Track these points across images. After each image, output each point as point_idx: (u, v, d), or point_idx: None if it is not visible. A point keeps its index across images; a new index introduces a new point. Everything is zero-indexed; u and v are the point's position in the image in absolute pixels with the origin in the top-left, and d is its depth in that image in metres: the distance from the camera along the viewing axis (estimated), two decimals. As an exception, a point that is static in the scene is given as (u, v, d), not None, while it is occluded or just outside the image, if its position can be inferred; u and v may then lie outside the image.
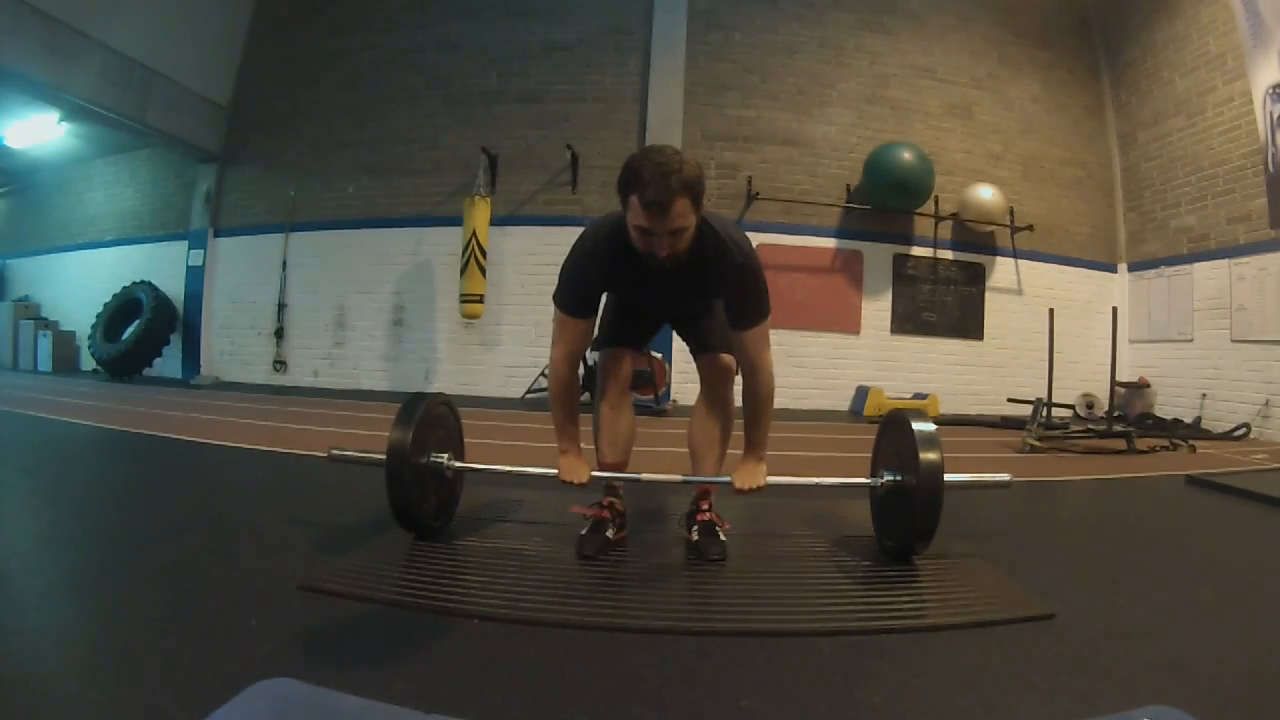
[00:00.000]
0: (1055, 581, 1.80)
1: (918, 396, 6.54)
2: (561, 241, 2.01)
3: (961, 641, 1.41)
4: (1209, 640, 1.44)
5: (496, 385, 6.86)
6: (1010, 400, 5.95)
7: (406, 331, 7.18)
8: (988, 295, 7.26)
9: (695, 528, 1.94)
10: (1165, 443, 4.83)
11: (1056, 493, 3.35)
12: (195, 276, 7.92)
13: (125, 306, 7.94)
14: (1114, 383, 5.34)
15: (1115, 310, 5.28)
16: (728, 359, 1.99)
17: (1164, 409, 6.70)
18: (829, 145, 7.11)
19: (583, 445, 1.97)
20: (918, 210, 6.98)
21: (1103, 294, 7.32)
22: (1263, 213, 5.87)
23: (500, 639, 1.35)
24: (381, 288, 7.26)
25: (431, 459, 1.94)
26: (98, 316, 8.00)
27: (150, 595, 1.52)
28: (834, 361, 6.92)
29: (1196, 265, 6.54)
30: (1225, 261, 6.22)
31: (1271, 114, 5.69)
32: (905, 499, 1.85)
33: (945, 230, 7.12)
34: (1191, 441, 4.87)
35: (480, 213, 6.54)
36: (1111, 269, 7.56)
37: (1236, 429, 5.74)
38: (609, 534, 1.91)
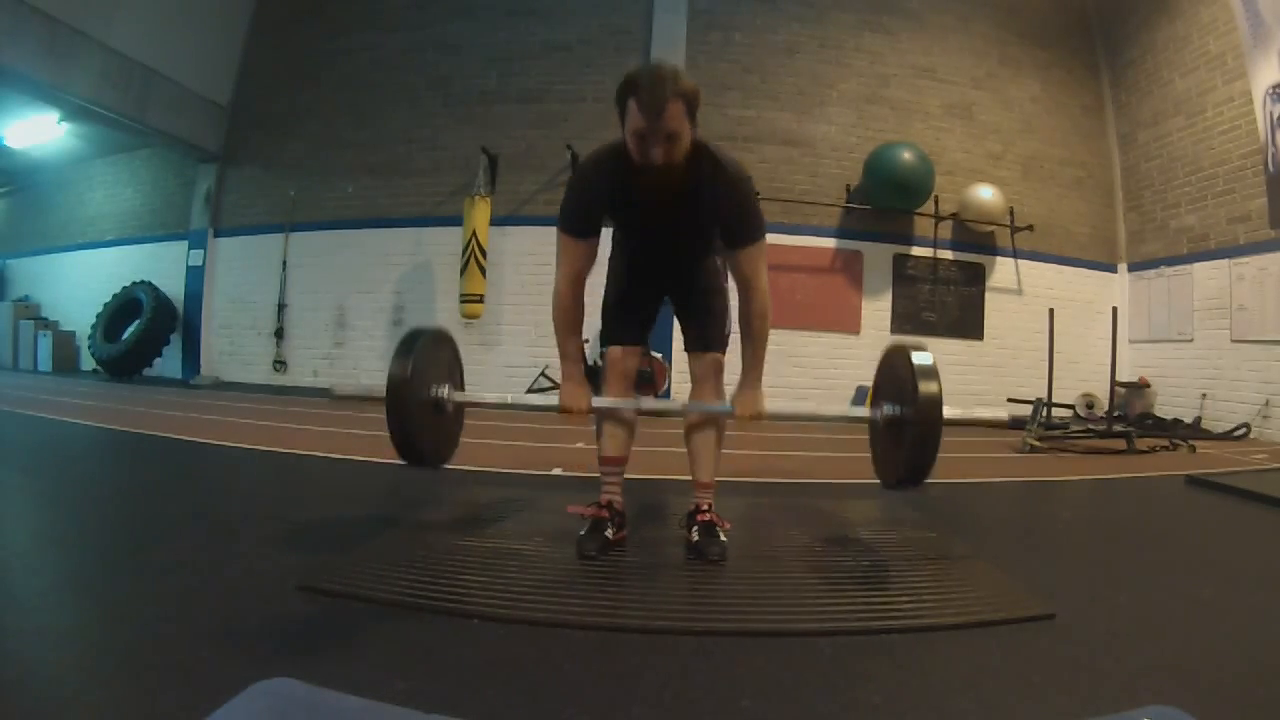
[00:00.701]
0: (1055, 581, 1.79)
1: (918, 396, 6.54)
2: (562, 242, 2.01)
3: (961, 641, 1.41)
4: (1209, 640, 1.44)
5: (496, 385, 6.86)
6: (1010, 400, 5.95)
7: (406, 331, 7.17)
8: (988, 295, 7.25)
9: (695, 528, 1.94)
10: (1165, 443, 4.83)
11: (1056, 493, 3.35)
12: (195, 276, 7.92)
13: (125, 306, 7.94)
14: (1114, 383, 5.34)
15: (1115, 310, 5.28)
16: (718, 356, 2.01)
17: (1164, 409, 6.70)
18: (829, 145, 7.11)
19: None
20: (918, 210, 6.97)
21: (1103, 294, 7.32)
22: (1263, 213, 5.87)
23: (500, 639, 1.35)
24: (381, 288, 7.26)
25: (431, 392, 1.96)
26: (98, 316, 8.00)
27: (150, 595, 1.52)
28: (834, 361, 6.92)
29: (1196, 265, 6.54)
30: (1225, 261, 6.22)
31: (1271, 114, 5.69)
32: (905, 431, 1.84)
33: (945, 230, 7.12)
34: (1191, 441, 4.87)
35: (480, 213, 6.55)
36: (1111, 269, 7.56)
37: (1236, 429, 5.74)
38: (608, 534, 1.91)
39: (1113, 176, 7.66)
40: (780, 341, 6.76)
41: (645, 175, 1.70)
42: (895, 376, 1.93)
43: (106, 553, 1.82)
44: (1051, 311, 5.17)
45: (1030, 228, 7.12)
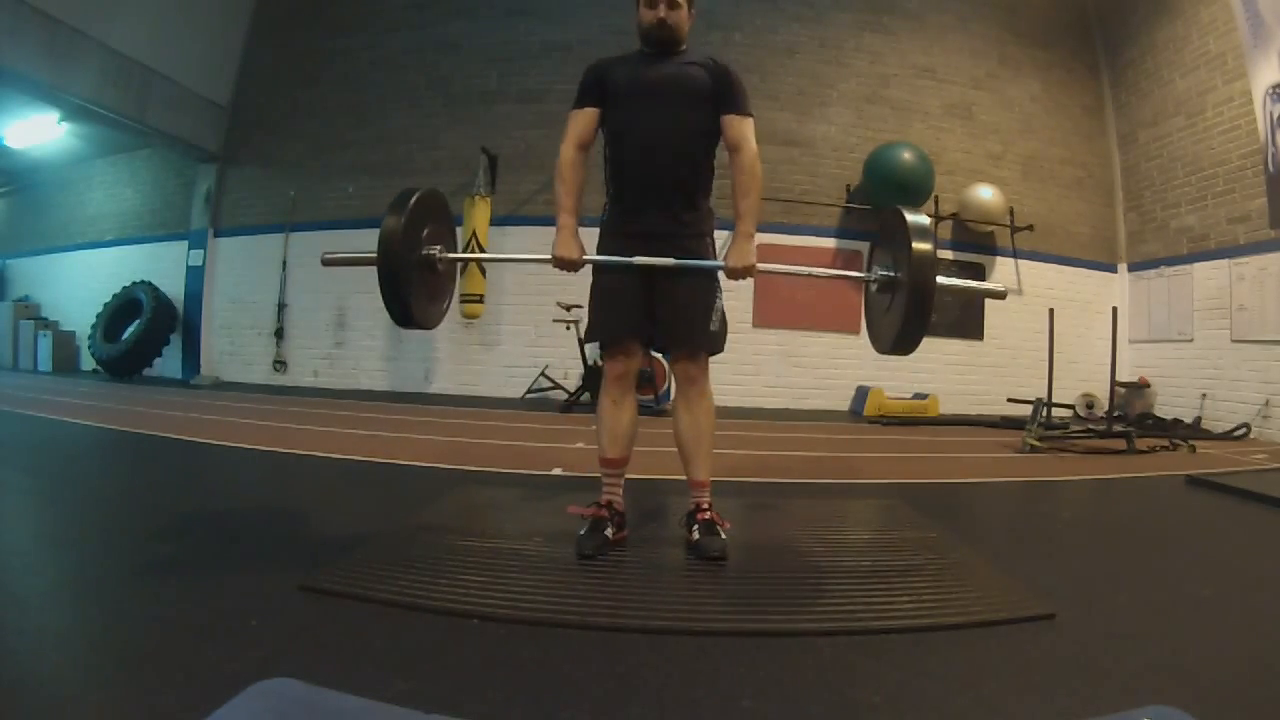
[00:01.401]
0: (1055, 581, 1.79)
1: (918, 396, 6.54)
2: (561, 242, 2.01)
3: (961, 641, 1.41)
4: (1209, 640, 1.44)
5: (496, 385, 6.86)
6: (1010, 400, 5.95)
7: (406, 332, 7.16)
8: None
9: (695, 527, 1.94)
10: (1165, 443, 4.83)
11: (1056, 493, 3.35)
12: (195, 276, 7.92)
13: (125, 306, 7.94)
14: (1114, 383, 5.34)
15: (1115, 310, 5.28)
16: (703, 356, 2.03)
17: (1164, 409, 6.70)
18: (829, 145, 7.11)
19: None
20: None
21: (1103, 294, 7.32)
22: (1263, 213, 5.87)
23: (500, 639, 1.35)
24: (382, 288, 7.25)
25: (424, 251, 1.94)
26: (98, 316, 8.00)
27: (150, 595, 1.52)
28: (834, 361, 6.92)
29: (1196, 265, 6.54)
30: (1225, 261, 6.22)
31: (1271, 114, 5.69)
32: (899, 293, 1.81)
33: (945, 230, 7.11)
34: (1191, 441, 4.87)
35: (480, 213, 6.54)
36: (1111, 269, 7.56)
37: (1236, 429, 5.74)
38: (608, 534, 1.91)
39: (1113, 176, 7.66)
40: (781, 342, 6.76)
41: (654, 33, 1.98)
42: (889, 238, 1.91)
43: (106, 553, 1.82)
44: (1051, 311, 5.16)
45: (1030, 228, 7.12)
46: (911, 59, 7.29)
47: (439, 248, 1.98)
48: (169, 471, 3.11)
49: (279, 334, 7.54)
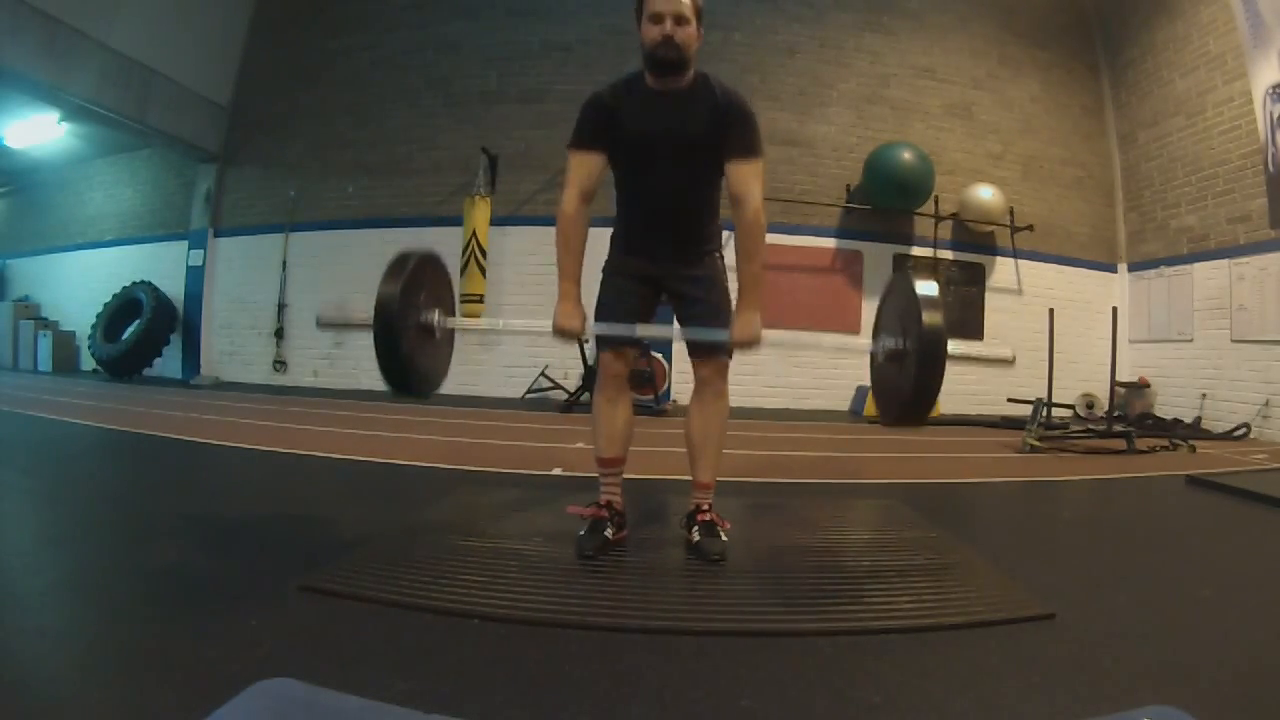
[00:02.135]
0: (1055, 581, 1.79)
1: (918, 396, 6.54)
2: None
3: (961, 641, 1.41)
4: (1209, 640, 1.44)
5: (496, 385, 6.86)
6: (1010, 400, 5.95)
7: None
8: (988, 295, 7.25)
9: (695, 528, 1.94)
10: (1165, 443, 4.83)
11: (1056, 493, 3.35)
12: (195, 276, 7.92)
13: (125, 306, 7.94)
14: (1114, 383, 5.34)
15: (1115, 310, 5.28)
16: (723, 360, 2.00)
17: (1164, 409, 6.70)
18: (829, 145, 7.11)
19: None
20: (918, 210, 6.97)
21: (1103, 294, 7.32)
22: (1263, 213, 5.87)
23: (500, 639, 1.35)
24: (382, 288, 7.25)
25: (421, 317, 1.90)
26: (98, 316, 8.00)
27: (150, 595, 1.52)
28: (834, 361, 6.92)
29: (1196, 265, 6.54)
30: (1225, 261, 6.22)
31: (1271, 114, 5.69)
32: (907, 364, 1.76)
33: (945, 230, 7.12)
34: (1191, 441, 4.87)
35: (480, 213, 6.55)
36: (1111, 269, 7.56)
37: (1236, 429, 5.74)
38: (608, 534, 1.91)
39: (1113, 176, 7.66)
40: (781, 341, 6.75)
41: (659, 54, 1.82)
42: (897, 307, 1.87)
43: (106, 553, 1.82)
44: (1051, 311, 5.17)
45: (1030, 228, 7.12)
46: (911, 59, 7.29)
47: (437, 312, 1.94)
48: (169, 471, 3.11)
49: (279, 334, 7.54)
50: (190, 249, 7.96)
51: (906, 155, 6.62)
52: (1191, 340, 6.57)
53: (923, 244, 7.14)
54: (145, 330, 7.64)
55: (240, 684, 0.98)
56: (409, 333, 1.83)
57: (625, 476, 2.07)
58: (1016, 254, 7.26)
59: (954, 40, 7.39)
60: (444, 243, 6.86)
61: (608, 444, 2.02)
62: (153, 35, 6.90)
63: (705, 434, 2.02)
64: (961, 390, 6.94)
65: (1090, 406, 6.71)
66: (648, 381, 5.89)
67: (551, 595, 1.57)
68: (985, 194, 6.89)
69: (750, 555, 1.91)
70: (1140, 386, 6.84)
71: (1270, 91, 5.67)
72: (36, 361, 8.82)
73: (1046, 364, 5.10)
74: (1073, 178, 7.55)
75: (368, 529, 2.07)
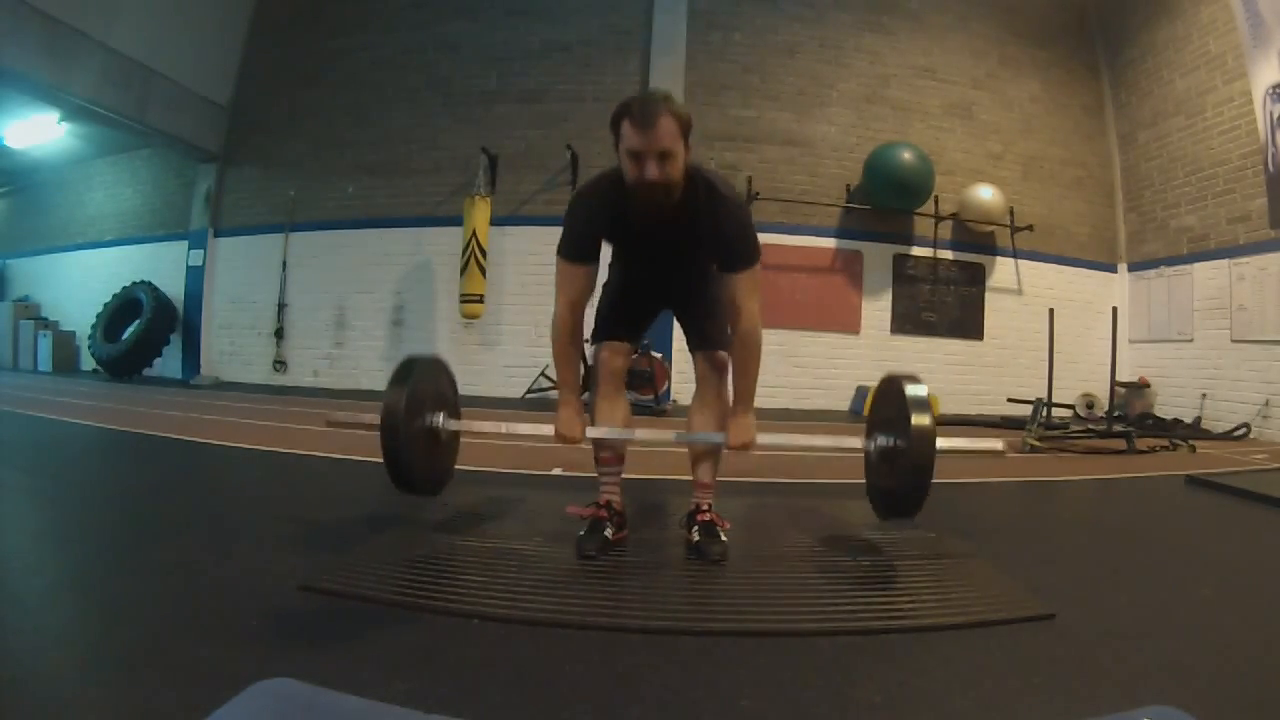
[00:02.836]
0: (1055, 581, 1.79)
1: (918, 396, 6.54)
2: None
3: (961, 641, 1.41)
4: (1209, 640, 1.44)
5: (496, 385, 6.86)
6: (1010, 400, 5.95)
7: (406, 331, 7.19)
8: (988, 295, 7.26)
9: (695, 528, 1.94)
10: (1165, 443, 4.83)
11: (1056, 493, 3.35)
12: (195, 276, 7.92)
13: (125, 306, 7.94)
14: (1114, 383, 5.34)
15: (1115, 310, 5.28)
16: (723, 355, 2.00)
17: (1164, 409, 6.70)
18: (829, 145, 7.11)
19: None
20: (918, 210, 6.98)
21: (1103, 294, 7.32)
22: (1263, 213, 5.87)
23: (500, 639, 1.35)
24: (381, 288, 7.26)
25: (426, 421, 1.97)
26: (98, 316, 8.00)
27: (150, 595, 1.52)
28: (834, 361, 6.92)
29: (1196, 265, 6.54)
30: (1225, 261, 6.22)
31: (1271, 114, 5.69)
32: (898, 462, 1.86)
33: (945, 230, 7.12)
34: (1191, 441, 4.87)
35: (480, 213, 6.55)
36: (1111, 269, 7.56)
37: (1236, 429, 5.74)
38: (608, 534, 1.91)
39: (1113, 176, 7.66)
40: (781, 341, 6.76)
41: (642, 195, 1.69)
42: (889, 408, 1.95)
43: (106, 553, 1.82)
44: (1051, 311, 5.17)
45: (1030, 228, 7.12)
46: (911, 59, 7.29)
47: (442, 414, 2.03)
48: (169, 471, 3.11)
49: (279, 334, 7.54)
50: (190, 249, 7.97)
51: (906, 155, 6.62)
52: (1191, 340, 6.57)
53: (923, 244, 7.14)
54: (145, 330, 7.64)
55: (240, 684, 0.98)
56: (414, 438, 1.92)
57: (625, 476, 2.07)
58: (1017, 254, 7.26)
59: (954, 40, 7.39)
60: (444, 242, 6.92)
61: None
62: (153, 35, 6.90)
63: (706, 429, 2.02)
64: (962, 390, 6.95)
65: (1090, 406, 6.71)
66: (648, 381, 5.89)
67: (551, 595, 1.57)
68: (985, 194, 6.89)
69: (750, 555, 1.91)
70: (1140, 386, 6.84)
71: (1270, 91, 5.67)
72: (36, 361, 8.82)
73: (1046, 364, 5.10)
74: (1073, 178, 7.55)
75: (367, 529, 2.07)
